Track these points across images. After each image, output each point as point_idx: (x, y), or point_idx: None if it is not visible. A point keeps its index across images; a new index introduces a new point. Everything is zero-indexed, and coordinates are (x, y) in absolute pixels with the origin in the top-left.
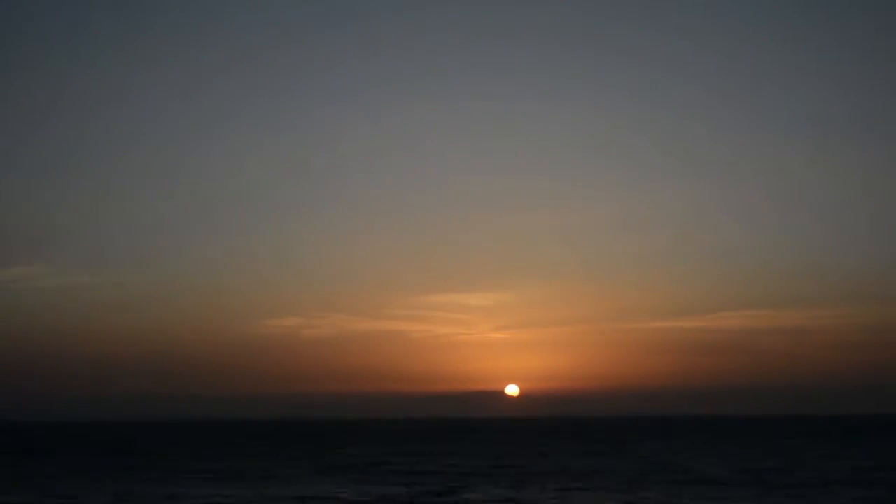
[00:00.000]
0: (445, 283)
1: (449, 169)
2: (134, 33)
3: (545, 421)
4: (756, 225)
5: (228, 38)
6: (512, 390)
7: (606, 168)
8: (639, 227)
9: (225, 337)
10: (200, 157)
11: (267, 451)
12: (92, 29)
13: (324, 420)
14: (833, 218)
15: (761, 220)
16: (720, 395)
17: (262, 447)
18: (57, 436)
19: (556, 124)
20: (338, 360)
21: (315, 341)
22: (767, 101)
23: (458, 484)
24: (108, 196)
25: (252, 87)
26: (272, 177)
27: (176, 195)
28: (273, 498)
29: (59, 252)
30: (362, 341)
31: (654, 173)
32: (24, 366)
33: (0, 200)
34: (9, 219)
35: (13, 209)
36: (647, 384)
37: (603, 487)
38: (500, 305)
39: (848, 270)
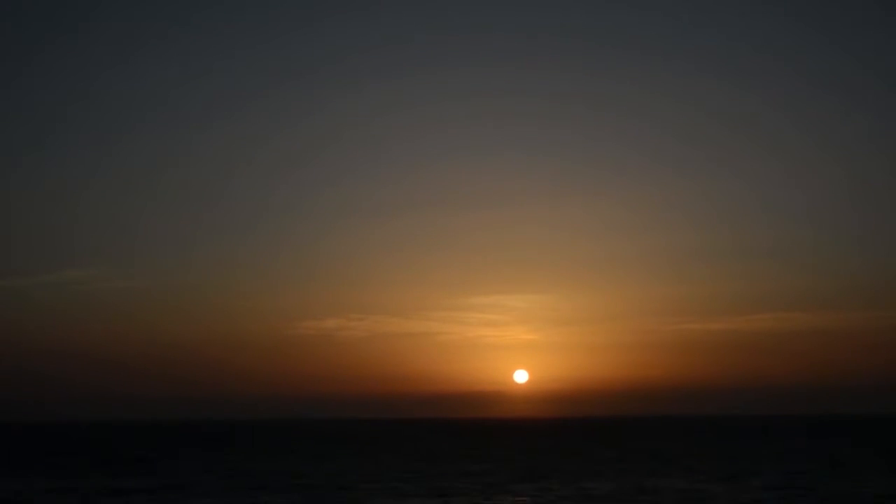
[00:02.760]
0: (487, 284)
1: (490, 165)
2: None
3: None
4: (804, 222)
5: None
6: (521, 377)
7: (644, 158)
8: (688, 221)
9: (262, 339)
10: (240, 156)
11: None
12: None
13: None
14: (880, 218)
15: (813, 217)
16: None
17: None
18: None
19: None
20: (367, 361)
21: (348, 342)
22: (832, 90)
23: None
24: (155, 198)
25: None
26: (312, 177)
27: (217, 197)
28: None
29: (111, 254)
30: (393, 343)
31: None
32: (78, 366)
33: (56, 202)
34: (64, 220)
35: (68, 210)
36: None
37: None
38: (537, 306)
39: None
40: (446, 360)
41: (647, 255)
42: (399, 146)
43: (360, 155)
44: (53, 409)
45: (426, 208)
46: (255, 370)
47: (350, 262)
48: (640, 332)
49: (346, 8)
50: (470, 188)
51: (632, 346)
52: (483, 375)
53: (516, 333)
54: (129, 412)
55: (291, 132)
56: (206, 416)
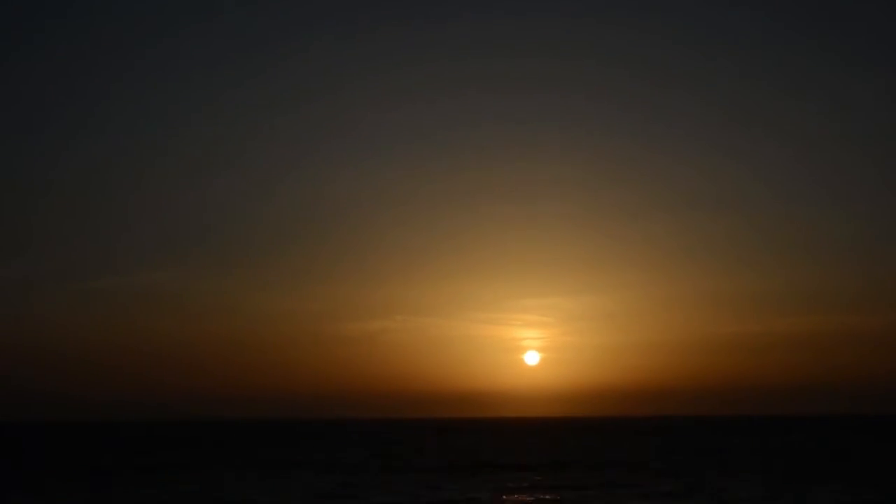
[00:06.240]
0: (533, 286)
1: (541, 167)
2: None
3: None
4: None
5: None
6: (532, 359)
7: (698, 150)
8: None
9: (306, 339)
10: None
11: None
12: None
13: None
14: None
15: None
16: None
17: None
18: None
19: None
20: (408, 363)
21: (391, 345)
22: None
23: None
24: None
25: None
26: (361, 178)
27: (268, 205)
28: None
29: (183, 257)
30: (435, 345)
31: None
32: (146, 368)
33: (133, 204)
34: (142, 222)
35: (146, 212)
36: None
37: None
38: (584, 307)
39: None
40: (487, 362)
41: (697, 252)
42: (449, 142)
43: (404, 152)
44: (111, 409)
45: (480, 204)
46: (298, 370)
47: (396, 263)
48: (689, 334)
49: None
50: (527, 183)
51: (681, 347)
52: (524, 378)
53: (559, 335)
54: (170, 412)
55: (339, 134)
56: (255, 415)
